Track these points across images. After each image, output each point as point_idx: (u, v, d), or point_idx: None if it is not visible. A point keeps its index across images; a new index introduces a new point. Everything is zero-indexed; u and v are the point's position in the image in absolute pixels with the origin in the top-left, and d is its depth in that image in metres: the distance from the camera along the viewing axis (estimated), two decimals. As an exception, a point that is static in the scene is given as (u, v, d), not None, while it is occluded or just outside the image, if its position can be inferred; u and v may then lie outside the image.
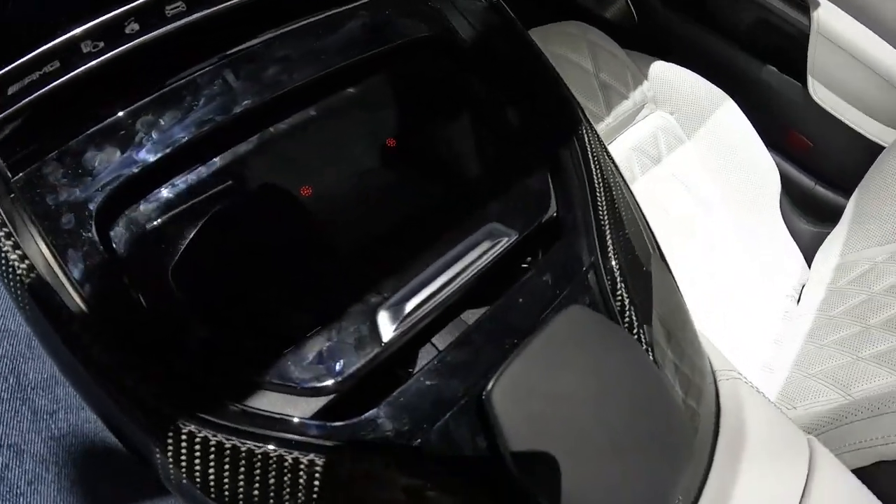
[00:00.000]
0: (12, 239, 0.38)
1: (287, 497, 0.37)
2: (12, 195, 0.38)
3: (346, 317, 0.42)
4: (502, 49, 0.56)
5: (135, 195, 0.41)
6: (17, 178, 0.39)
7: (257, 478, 0.37)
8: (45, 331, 0.38)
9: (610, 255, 0.49)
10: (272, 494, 0.37)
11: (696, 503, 0.52)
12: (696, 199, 1.15)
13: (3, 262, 0.38)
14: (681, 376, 0.52)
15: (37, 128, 0.40)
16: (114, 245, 0.40)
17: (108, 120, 0.41)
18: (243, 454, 0.37)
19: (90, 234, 0.38)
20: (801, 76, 1.16)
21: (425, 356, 0.45)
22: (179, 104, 0.42)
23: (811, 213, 1.26)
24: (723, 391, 0.59)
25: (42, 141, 0.39)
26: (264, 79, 0.45)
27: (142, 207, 0.41)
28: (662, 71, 1.20)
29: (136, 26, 0.41)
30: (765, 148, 1.18)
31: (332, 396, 0.40)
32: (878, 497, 0.58)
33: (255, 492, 0.37)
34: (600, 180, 0.53)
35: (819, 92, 1.15)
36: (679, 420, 0.47)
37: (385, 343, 0.41)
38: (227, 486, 0.37)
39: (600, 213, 0.51)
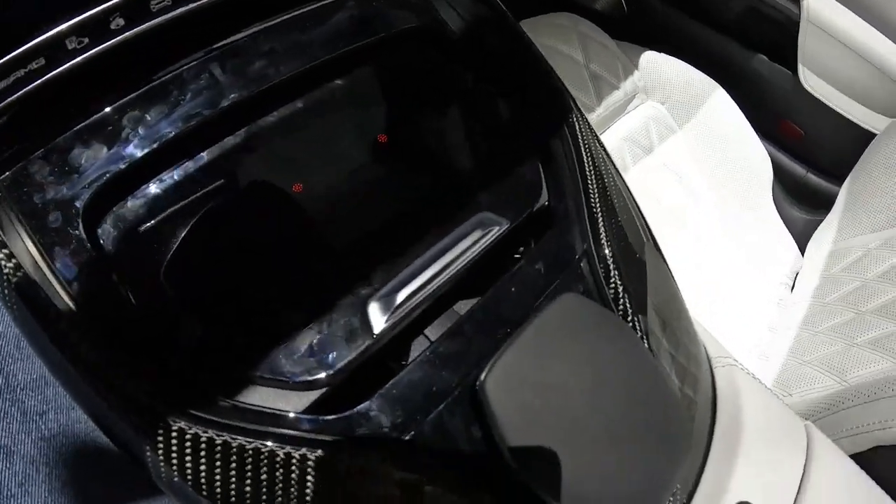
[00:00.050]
0: None
1: (279, 492, 0.37)
2: None
3: (336, 309, 0.41)
4: (492, 39, 0.55)
5: (122, 192, 0.40)
6: (3, 176, 0.38)
7: (249, 474, 0.37)
8: (33, 330, 0.37)
9: (603, 242, 0.49)
10: (264, 490, 0.37)
11: (695, 491, 0.52)
12: (688, 188, 1.15)
13: None
14: (676, 363, 0.52)
15: (22, 126, 0.39)
16: (102, 242, 0.39)
17: (95, 116, 0.40)
18: (234, 450, 0.37)
19: (77, 232, 0.37)
20: (792, 65, 1.16)
21: (419, 348, 0.45)
22: (166, 99, 0.42)
23: (804, 201, 1.26)
24: (719, 378, 0.59)
25: (28, 139, 0.39)
26: (251, 72, 0.44)
27: (129, 204, 0.41)
28: (653, 61, 1.20)
29: (121, 21, 0.40)
30: (756, 137, 1.19)
31: (324, 390, 0.40)
32: (877, 482, 0.58)
33: (248, 488, 0.37)
34: (592, 168, 0.52)
35: (810, 80, 1.15)
36: (675, 407, 0.47)
37: (376, 335, 0.40)
38: (218, 483, 0.37)
39: (592, 201, 0.51)
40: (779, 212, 1.20)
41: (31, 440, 0.48)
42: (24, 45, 0.38)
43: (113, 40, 0.40)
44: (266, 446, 0.37)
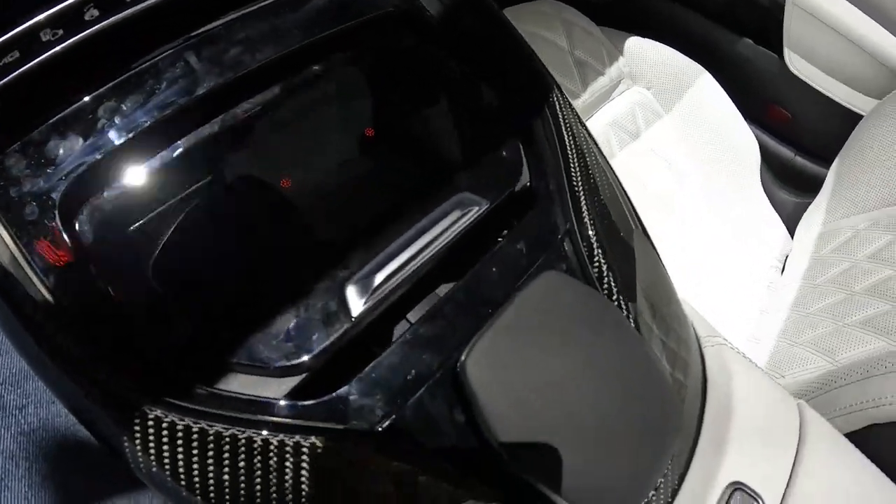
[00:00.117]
0: None
1: (258, 479, 0.36)
2: None
3: (314, 293, 0.41)
4: (470, 21, 0.54)
5: (99, 182, 0.40)
6: None
7: (226, 461, 0.36)
8: (10, 323, 0.37)
9: (586, 221, 0.48)
10: (242, 477, 0.36)
11: (686, 473, 0.51)
12: (675, 173, 1.15)
13: None
14: (664, 342, 0.51)
15: None
16: (78, 233, 0.38)
17: (71, 108, 0.40)
18: (211, 437, 0.36)
19: (54, 224, 0.37)
20: (778, 48, 1.16)
21: (401, 332, 0.44)
22: (141, 89, 0.41)
23: (792, 183, 1.26)
24: (709, 357, 0.59)
25: (3, 132, 0.38)
26: (227, 60, 0.44)
27: (105, 194, 0.40)
28: (638, 46, 1.19)
29: (95, 12, 0.40)
30: (743, 120, 1.18)
31: (304, 376, 0.39)
32: (872, 460, 0.58)
33: (226, 476, 0.36)
34: (574, 148, 0.52)
35: (796, 63, 1.15)
36: (664, 385, 0.46)
37: (355, 318, 0.40)
38: (196, 472, 0.36)
39: (574, 180, 0.50)
40: (767, 195, 1.20)
41: (11, 435, 0.48)
42: (-2, 38, 0.37)
43: (88, 31, 0.39)
44: (243, 433, 0.36)
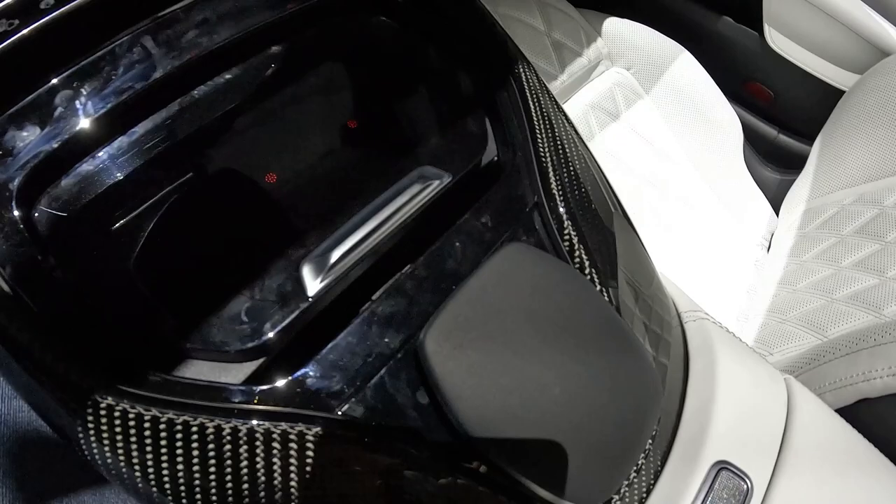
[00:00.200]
0: None
1: (212, 467, 0.35)
2: None
3: (270, 274, 0.39)
4: None
5: (56, 171, 0.39)
6: None
7: (179, 449, 0.35)
8: None
9: (554, 194, 0.47)
10: (196, 466, 0.35)
11: (669, 452, 0.50)
12: (656, 153, 1.14)
13: None
14: (640, 315, 0.49)
15: None
16: (36, 223, 0.38)
17: (28, 98, 0.39)
18: (164, 425, 0.34)
19: (11, 214, 0.36)
20: (758, 25, 1.16)
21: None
22: (97, 76, 0.41)
23: (776, 161, 1.25)
24: (690, 332, 0.57)
25: None
26: (185, 42, 0.43)
27: (63, 183, 0.40)
28: (616, 27, 1.18)
29: (51, 0, 0.39)
30: (725, 99, 1.18)
31: (261, 360, 0.38)
32: (864, 436, 0.56)
33: (179, 465, 0.35)
34: (542, 121, 0.50)
35: (776, 40, 1.15)
36: (640, 356, 0.44)
37: (311, 297, 0.38)
38: (150, 461, 0.35)
39: (542, 153, 0.48)
40: (751, 173, 1.19)
41: (-28, 431, 0.46)
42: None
43: (44, 19, 0.39)
44: (195, 419, 0.35)
